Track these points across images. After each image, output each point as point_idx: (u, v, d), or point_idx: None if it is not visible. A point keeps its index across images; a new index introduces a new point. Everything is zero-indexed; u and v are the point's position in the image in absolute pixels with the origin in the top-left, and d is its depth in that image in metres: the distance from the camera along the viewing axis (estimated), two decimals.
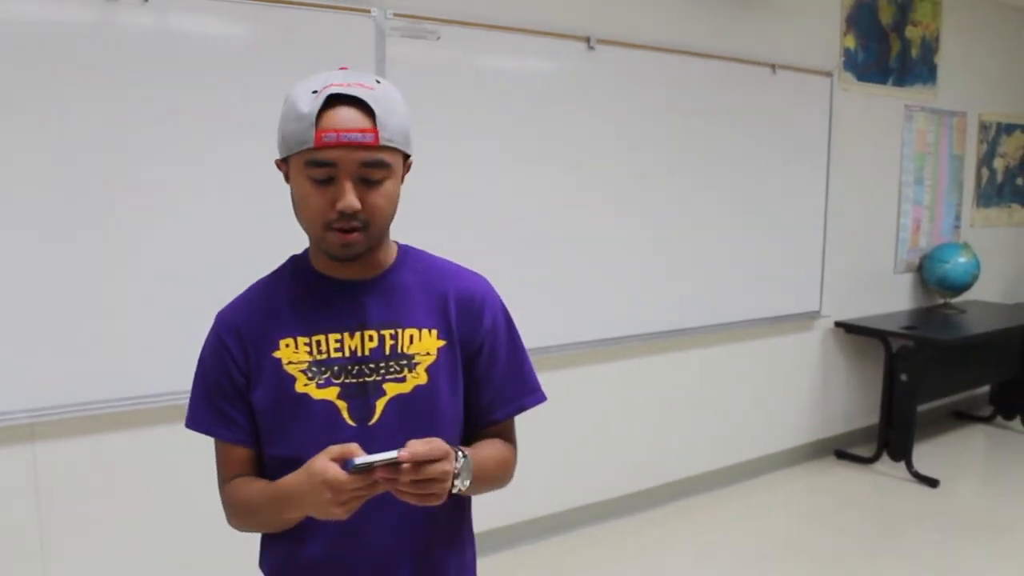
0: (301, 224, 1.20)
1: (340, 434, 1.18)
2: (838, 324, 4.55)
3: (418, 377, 1.23)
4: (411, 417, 1.22)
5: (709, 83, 3.71)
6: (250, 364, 1.23)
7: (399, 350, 1.23)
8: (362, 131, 1.12)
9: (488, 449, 1.27)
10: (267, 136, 2.57)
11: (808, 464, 4.50)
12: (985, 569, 3.30)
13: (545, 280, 3.25)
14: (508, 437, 1.34)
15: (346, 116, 1.12)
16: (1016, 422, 5.21)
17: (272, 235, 2.61)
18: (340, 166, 1.12)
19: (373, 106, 1.12)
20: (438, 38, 2.90)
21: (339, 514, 1.08)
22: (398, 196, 1.21)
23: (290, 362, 1.22)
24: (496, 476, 1.28)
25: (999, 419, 5.29)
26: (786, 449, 4.45)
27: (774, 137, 4.03)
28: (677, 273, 3.72)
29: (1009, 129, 5.53)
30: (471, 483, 1.17)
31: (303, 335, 1.23)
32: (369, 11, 2.75)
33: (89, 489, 2.49)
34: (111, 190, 2.38)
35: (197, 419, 1.29)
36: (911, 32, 4.69)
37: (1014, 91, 5.49)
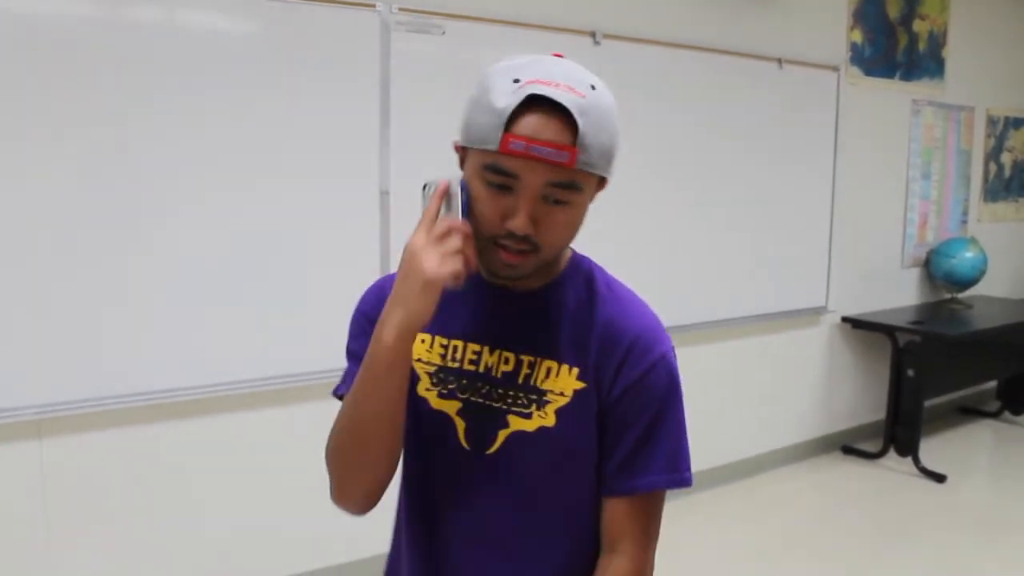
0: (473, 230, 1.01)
1: (451, 455, 1.07)
2: (844, 319, 4.54)
3: (545, 418, 1.05)
4: (535, 461, 1.06)
5: (715, 78, 3.70)
6: None
7: (532, 382, 1.06)
8: (559, 148, 0.93)
9: None
10: (272, 132, 2.59)
11: (815, 459, 4.49)
12: (992, 565, 3.29)
13: None
14: (629, 527, 1.07)
15: (543, 125, 0.93)
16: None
17: (280, 232, 2.62)
18: (522, 179, 0.95)
19: (579, 120, 0.93)
20: (443, 33, 2.89)
21: (436, 273, 0.94)
22: (583, 220, 1.04)
23: (419, 359, 1.10)
24: None
25: (1006, 414, 5.27)
26: (793, 444, 4.44)
27: (781, 132, 4.01)
28: (683, 268, 3.71)
29: (1017, 123, 5.50)
30: None
31: (442, 335, 1.10)
32: (374, 6, 2.74)
33: (95, 485, 2.49)
34: (118, 186, 2.38)
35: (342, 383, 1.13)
36: (919, 26, 4.66)
37: (1022, 85, 5.47)
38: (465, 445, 1.07)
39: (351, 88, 2.74)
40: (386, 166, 2.81)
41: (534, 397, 1.05)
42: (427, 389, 1.09)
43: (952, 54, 4.90)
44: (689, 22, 3.62)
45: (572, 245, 1.10)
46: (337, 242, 2.70)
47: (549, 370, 1.06)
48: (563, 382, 1.05)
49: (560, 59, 1.00)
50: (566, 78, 0.96)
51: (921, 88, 4.76)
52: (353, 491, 1.06)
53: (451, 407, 1.08)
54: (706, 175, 3.74)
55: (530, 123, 0.93)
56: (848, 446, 4.61)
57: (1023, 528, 3.64)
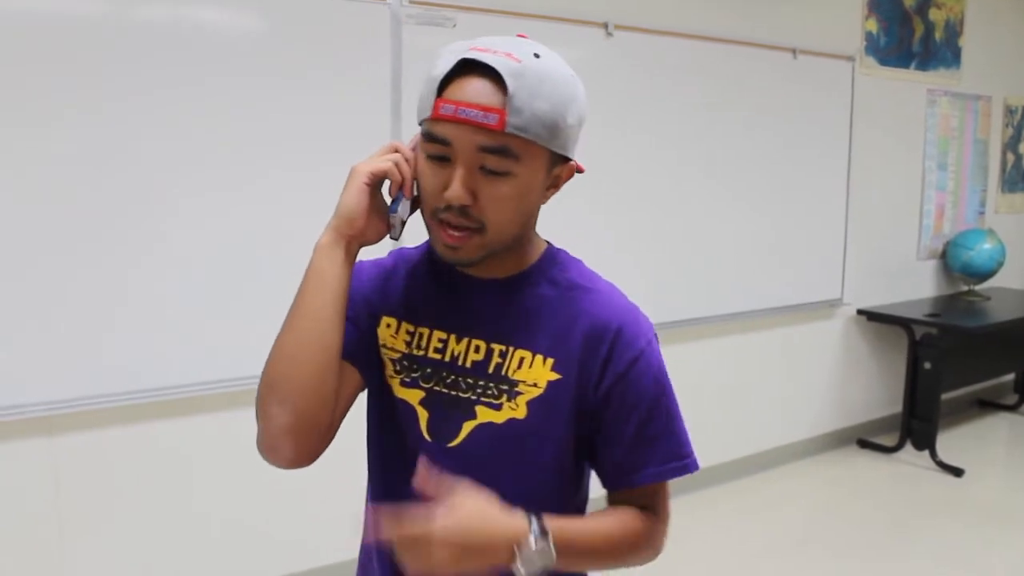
0: (422, 212, 1.03)
1: (413, 446, 1.05)
2: (860, 312, 4.50)
3: (516, 409, 1.02)
4: (501, 454, 1.03)
5: (729, 69, 3.67)
6: (370, 318, 1.09)
7: (504, 372, 1.03)
8: (486, 109, 0.91)
9: (603, 522, 1.04)
10: (282, 127, 2.58)
11: (830, 453, 4.45)
12: (1011, 560, 3.26)
13: None
14: (647, 505, 1.08)
15: (473, 88, 0.92)
16: None
17: (290, 227, 2.61)
18: (455, 146, 0.93)
19: (509, 82, 0.91)
20: (454, 25, 2.87)
21: (363, 165, 1.01)
22: (534, 201, 1.00)
23: (384, 345, 1.08)
24: (609, 552, 1.03)
25: None
26: (808, 438, 4.41)
27: (795, 123, 3.98)
28: (698, 261, 3.69)
29: None
30: (561, 562, 0.94)
31: (408, 321, 1.08)
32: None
33: (106, 481, 2.50)
34: (127, 183, 2.38)
35: None
36: (935, 15, 4.61)
37: None
38: (427, 436, 1.05)
39: (362, 82, 2.72)
40: None
41: (505, 387, 1.03)
42: (391, 376, 1.07)
43: (969, 43, 4.84)
44: (702, 12, 3.58)
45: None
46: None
47: (522, 360, 1.03)
48: (537, 373, 1.03)
49: (520, 37, 0.99)
50: (507, 47, 0.94)
51: (937, 78, 4.71)
52: (278, 417, 0.97)
53: (414, 396, 1.06)
54: (720, 167, 3.71)
55: (461, 86, 0.92)
56: (864, 440, 4.58)
57: None
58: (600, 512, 1.07)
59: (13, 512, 2.37)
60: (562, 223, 3.17)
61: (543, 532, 0.93)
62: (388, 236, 1.04)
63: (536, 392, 1.02)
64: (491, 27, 2.94)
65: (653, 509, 1.08)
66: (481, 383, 1.04)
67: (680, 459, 1.07)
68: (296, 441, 0.98)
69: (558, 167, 1.01)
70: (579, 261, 1.13)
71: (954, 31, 4.75)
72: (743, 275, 3.88)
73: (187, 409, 2.53)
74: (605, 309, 1.06)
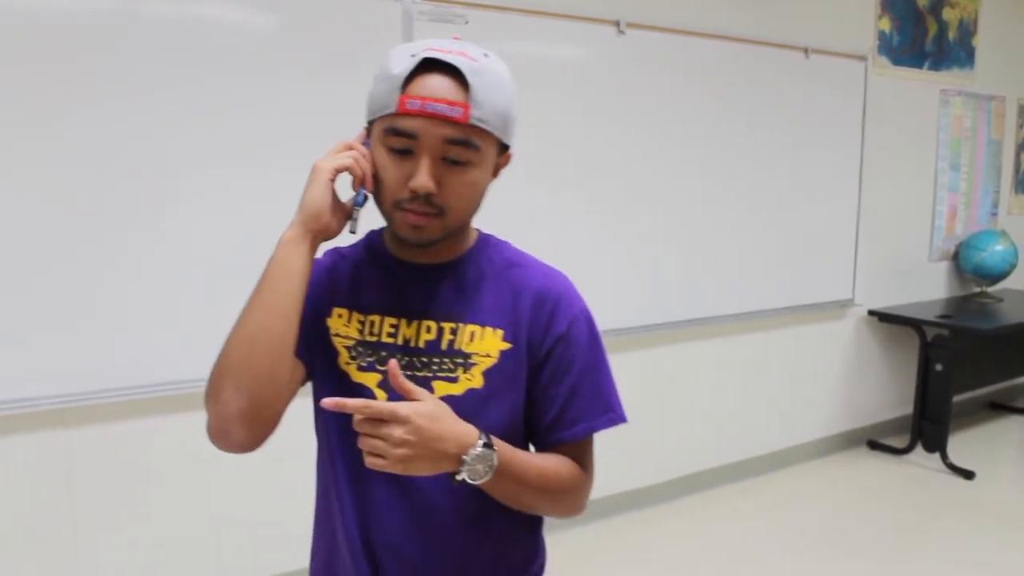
0: (377, 203, 1.10)
1: None
2: (871, 312, 4.47)
3: (472, 380, 1.09)
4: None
5: (741, 68, 3.65)
6: (316, 313, 1.15)
7: (456, 347, 1.10)
8: (451, 103, 1.00)
9: (539, 458, 1.12)
10: (294, 124, 2.58)
11: (840, 454, 4.44)
12: (1022, 563, 3.24)
13: (567, 270, 3.21)
14: (578, 461, 1.16)
15: (437, 84, 1.00)
16: None
17: None
18: (421, 139, 1.01)
19: (470, 79, 1.00)
20: (466, 22, 2.87)
21: (323, 162, 1.08)
22: (485, 187, 1.10)
23: (338, 334, 1.14)
24: (540, 488, 1.10)
25: None
26: (818, 439, 4.39)
27: (807, 122, 3.96)
28: (708, 260, 3.68)
29: None
30: (496, 481, 1.02)
31: (359, 311, 1.14)
32: None
33: (120, 474, 2.51)
34: (139, 178, 2.38)
35: None
36: (948, 14, 4.58)
37: None
38: None
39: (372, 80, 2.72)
40: None
41: (460, 361, 1.10)
42: (346, 363, 1.13)
43: (983, 42, 4.81)
44: (714, 11, 3.57)
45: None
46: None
47: (473, 334, 1.11)
48: (488, 344, 1.10)
49: (458, 39, 1.07)
50: (459, 47, 1.04)
51: (950, 77, 4.68)
52: (233, 402, 1.03)
53: (371, 379, 1.11)
54: (731, 166, 3.70)
55: (424, 83, 1.00)
56: (874, 441, 4.56)
57: None
58: (541, 454, 1.14)
59: (27, 504, 2.38)
60: (572, 221, 3.19)
61: (489, 443, 1.01)
62: (348, 230, 1.10)
63: (490, 362, 1.10)
64: (503, 24, 2.94)
65: (582, 465, 1.16)
66: (436, 360, 1.10)
67: (609, 413, 1.16)
68: (249, 426, 1.04)
69: (501, 156, 1.11)
70: (508, 242, 1.22)
71: (968, 31, 4.72)
72: (754, 275, 3.86)
73: (199, 404, 2.53)
74: (544, 280, 1.15)
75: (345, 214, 1.09)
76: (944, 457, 4.20)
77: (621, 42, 3.26)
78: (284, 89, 2.56)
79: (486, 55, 1.05)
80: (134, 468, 2.53)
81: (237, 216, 2.53)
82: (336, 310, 1.15)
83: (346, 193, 1.10)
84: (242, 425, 1.04)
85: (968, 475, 4.09)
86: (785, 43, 3.80)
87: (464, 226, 1.13)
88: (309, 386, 1.18)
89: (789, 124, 3.89)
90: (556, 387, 1.12)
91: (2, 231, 2.23)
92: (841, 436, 4.50)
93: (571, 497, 1.15)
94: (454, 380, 1.10)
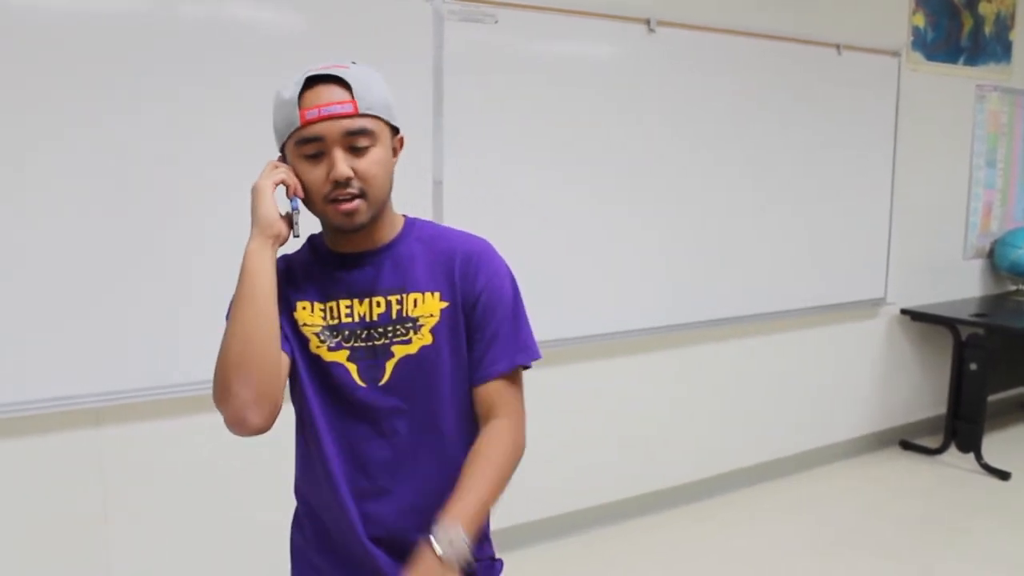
0: (309, 207, 1.27)
1: (352, 394, 1.29)
2: (904, 311, 4.43)
3: (423, 338, 1.30)
4: (418, 376, 1.30)
5: (772, 65, 3.63)
6: (284, 311, 1.31)
7: (404, 314, 1.30)
8: (341, 103, 1.20)
9: (473, 479, 1.24)
10: None
11: (873, 454, 4.40)
12: None
13: (600, 268, 3.23)
14: (501, 401, 1.32)
15: (326, 93, 1.21)
16: None
17: None
18: (327, 139, 1.21)
19: (349, 81, 1.21)
20: (496, 21, 2.88)
21: (260, 180, 1.27)
22: (390, 165, 1.28)
23: (305, 324, 1.31)
24: (499, 488, 1.26)
25: None
26: (850, 439, 4.35)
27: (839, 120, 3.93)
28: (740, 258, 3.66)
29: None
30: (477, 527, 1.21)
31: (319, 301, 1.32)
32: None
33: (153, 472, 2.54)
34: (174, 177, 2.41)
35: None
36: (985, 8, 4.52)
37: None
38: (361, 383, 1.30)
39: (404, 79, 2.73)
40: (439, 156, 2.82)
41: (409, 324, 1.30)
42: (316, 347, 1.30)
43: (1020, 36, 4.74)
44: (744, 8, 3.55)
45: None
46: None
47: (416, 300, 1.31)
48: (430, 306, 1.31)
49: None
50: (332, 62, 1.24)
51: (987, 73, 4.61)
52: (242, 394, 1.22)
53: (341, 356, 1.30)
54: (762, 164, 3.68)
55: (315, 95, 1.21)
56: (907, 441, 4.51)
57: None
58: (472, 463, 1.27)
59: (60, 502, 2.42)
60: (603, 220, 3.19)
61: (457, 536, 1.17)
62: (292, 234, 1.28)
63: (434, 320, 1.30)
64: (532, 23, 2.95)
65: (509, 406, 1.32)
66: (390, 328, 1.30)
67: (526, 350, 1.34)
68: (260, 411, 1.24)
69: (394, 139, 1.30)
70: (430, 221, 1.41)
71: (1005, 25, 4.65)
72: (786, 273, 3.84)
73: None
74: (467, 244, 1.36)
75: (287, 221, 1.27)
76: (979, 457, 4.16)
77: (651, 40, 3.26)
78: None
79: (354, 63, 1.26)
80: (167, 466, 2.56)
81: None
82: (300, 303, 1.32)
83: (282, 206, 1.27)
84: (254, 411, 1.23)
85: (1004, 476, 4.04)
86: (817, 40, 3.77)
87: (386, 207, 1.31)
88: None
89: (821, 122, 3.86)
90: (482, 331, 1.32)
91: (37, 233, 2.26)
92: (873, 436, 4.46)
93: (516, 458, 1.30)
94: (408, 342, 1.30)
